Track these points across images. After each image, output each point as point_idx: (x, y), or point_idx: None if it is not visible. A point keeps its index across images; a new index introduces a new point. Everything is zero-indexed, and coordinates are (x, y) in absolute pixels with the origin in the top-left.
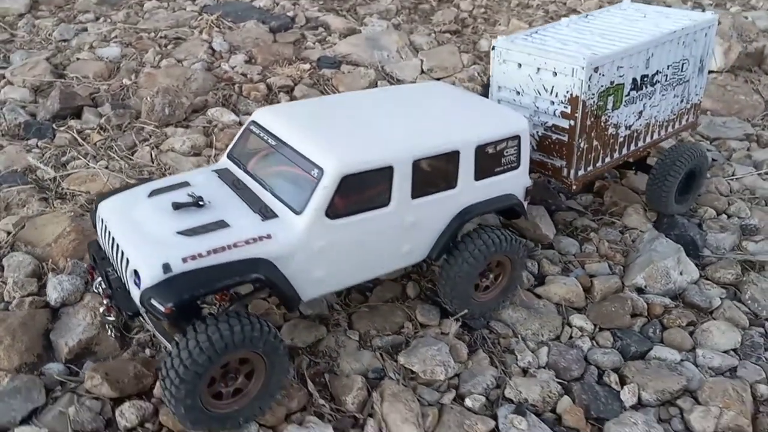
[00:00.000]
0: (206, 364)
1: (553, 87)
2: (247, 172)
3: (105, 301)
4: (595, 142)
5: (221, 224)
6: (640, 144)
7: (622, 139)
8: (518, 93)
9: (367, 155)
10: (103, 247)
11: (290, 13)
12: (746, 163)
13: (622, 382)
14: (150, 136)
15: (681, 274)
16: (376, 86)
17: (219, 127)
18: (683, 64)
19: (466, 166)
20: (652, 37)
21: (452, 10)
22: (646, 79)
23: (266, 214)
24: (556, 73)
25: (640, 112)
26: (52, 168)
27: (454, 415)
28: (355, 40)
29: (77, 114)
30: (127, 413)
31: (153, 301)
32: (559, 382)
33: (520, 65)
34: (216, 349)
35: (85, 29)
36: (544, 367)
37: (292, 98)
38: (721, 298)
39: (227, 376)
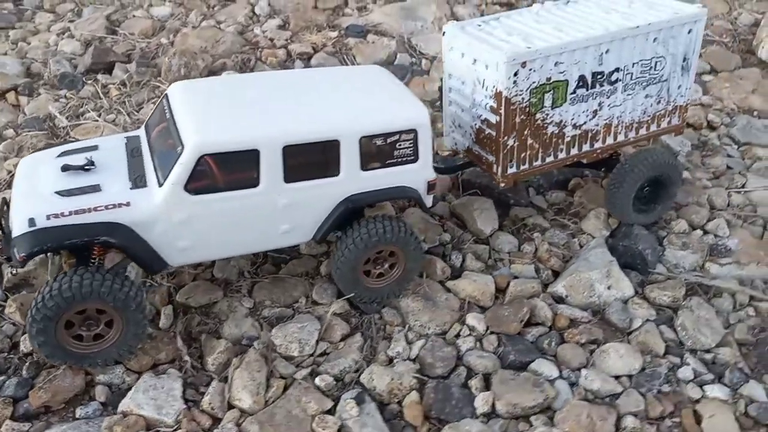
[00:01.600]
0: (54, 309)
1: (484, 80)
2: (148, 142)
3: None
4: (530, 141)
5: (95, 188)
6: (598, 145)
7: (569, 139)
8: (462, 83)
9: (233, 136)
10: None
11: None
12: (766, 174)
13: (488, 388)
14: (161, 94)
15: (609, 288)
16: (395, 59)
17: None
18: (657, 62)
19: (350, 155)
20: (604, 32)
21: None
22: (600, 76)
23: (138, 183)
24: (487, 66)
25: (595, 112)
26: (67, 118)
27: (298, 391)
28: (389, 9)
29: (109, 69)
30: (27, 341)
31: (14, 250)
32: (416, 377)
33: (462, 54)
34: (63, 298)
35: None
36: (410, 360)
37: (307, 65)
38: (647, 320)
39: (87, 322)
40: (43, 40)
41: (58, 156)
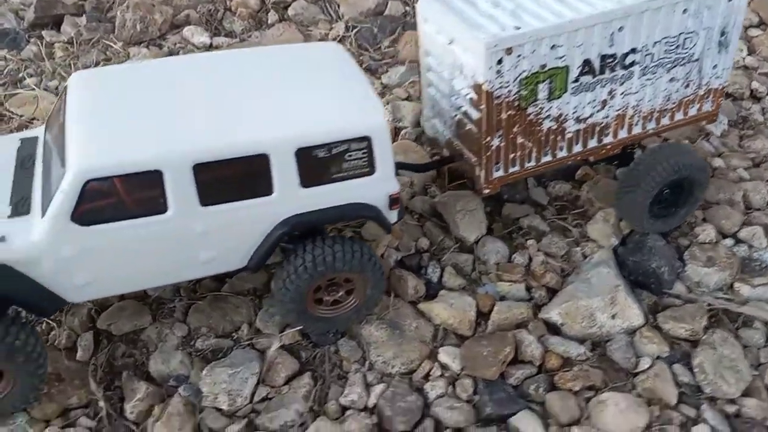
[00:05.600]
0: None
1: (462, 66)
2: (44, 150)
3: None
4: (520, 139)
5: None
6: (608, 140)
7: (571, 135)
8: (439, 63)
9: (127, 156)
10: None
11: None
12: None
13: None
14: (113, 56)
15: (613, 317)
16: (385, 8)
17: (186, 50)
18: (686, 38)
19: (284, 171)
20: (616, 5)
21: None
22: (611, 60)
23: (20, 208)
24: (465, 49)
25: (604, 102)
26: (2, 86)
27: None
28: None
29: (58, 24)
30: None
31: None
32: None
33: (438, 30)
34: None
35: None
36: (367, 410)
37: (282, 18)
38: (658, 357)
39: None
40: None
41: None
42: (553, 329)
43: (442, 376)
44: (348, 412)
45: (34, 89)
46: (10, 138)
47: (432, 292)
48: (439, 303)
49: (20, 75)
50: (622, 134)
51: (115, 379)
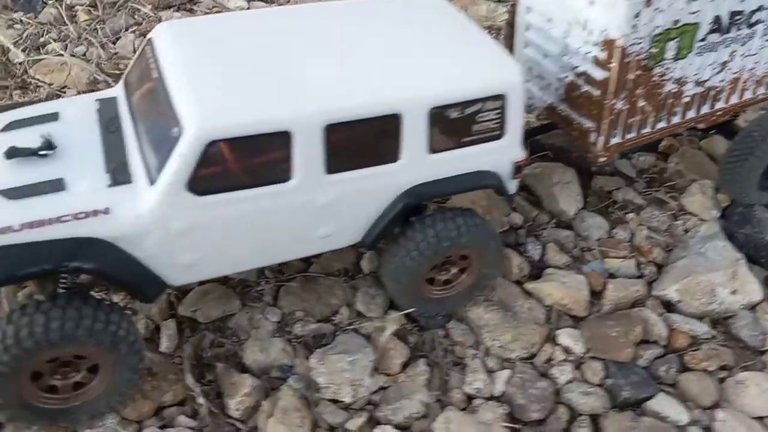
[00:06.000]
0: (10, 364)
1: (587, 20)
2: (130, 110)
3: None
4: (641, 103)
5: (56, 185)
6: (719, 106)
7: (687, 99)
8: (549, 20)
9: (252, 114)
10: None
11: None
12: None
13: None
14: (143, 20)
15: (733, 293)
16: None
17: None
18: None
19: (414, 134)
20: None
21: None
22: (738, 17)
23: (118, 176)
24: (593, 2)
25: (724, 63)
26: (24, 51)
27: None
28: None
29: None
30: None
31: None
32: (509, 427)
33: None
34: (22, 349)
35: None
36: (495, 399)
37: None
38: None
39: (63, 369)
40: None
41: (2, 130)
42: (668, 307)
43: (565, 360)
44: (475, 402)
45: (62, 54)
46: (84, 99)
47: (535, 271)
48: (550, 282)
49: (41, 40)
50: (734, 99)
51: (204, 371)
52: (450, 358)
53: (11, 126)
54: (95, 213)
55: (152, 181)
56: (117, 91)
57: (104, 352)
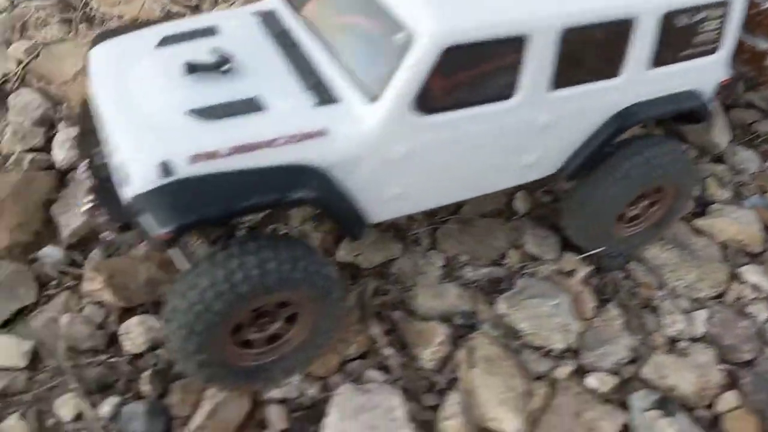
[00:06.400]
0: (223, 312)
1: None
2: (305, 22)
3: (89, 198)
4: None
5: (253, 104)
6: None
7: None
8: None
9: (488, 16)
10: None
11: None
12: None
13: None
14: None
15: None
16: None
17: None
18: None
19: (641, 44)
20: None
21: None
22: None
23: (323, 95)
24: None
25: None
26: None
27: (569, 399)
28: None
29: None
30: (135, 333)
31: (144, 219)
32: (725, 369)
33: None
34: (238, 295)
35: None
36: (699, 341)
37: None
38: None
39: (261, 319)
40: None
41: (159, 45)
42: None
43: (756, 298)
44: (680, 344)
45: None
46: (239, 12)
47: (698, 208)
48: (722, 218)
49: None
50: None
51: (377, 321)
52: (635, 300)
53: (165, 42)
54: (311, 135)
55: (372, 98)
56: (272, 3)
57: (315, 297)
